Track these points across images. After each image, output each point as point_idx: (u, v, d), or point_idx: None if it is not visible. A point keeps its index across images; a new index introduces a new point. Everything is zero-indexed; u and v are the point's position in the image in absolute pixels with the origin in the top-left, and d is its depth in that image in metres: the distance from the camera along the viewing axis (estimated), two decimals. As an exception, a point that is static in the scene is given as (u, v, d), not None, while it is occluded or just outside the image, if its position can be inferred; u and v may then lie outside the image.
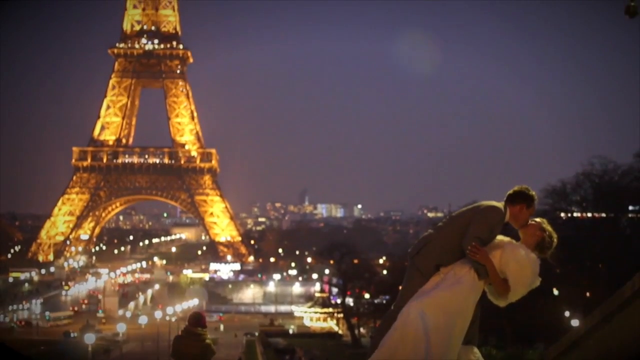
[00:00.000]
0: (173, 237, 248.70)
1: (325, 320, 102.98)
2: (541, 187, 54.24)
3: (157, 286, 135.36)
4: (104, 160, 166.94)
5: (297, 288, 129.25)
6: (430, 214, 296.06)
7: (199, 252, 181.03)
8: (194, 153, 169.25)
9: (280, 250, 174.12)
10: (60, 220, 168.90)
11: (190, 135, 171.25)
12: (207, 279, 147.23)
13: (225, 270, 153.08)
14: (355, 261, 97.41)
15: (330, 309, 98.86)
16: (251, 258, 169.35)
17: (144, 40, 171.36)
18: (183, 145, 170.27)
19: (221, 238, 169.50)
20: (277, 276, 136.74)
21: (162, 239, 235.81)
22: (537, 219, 7.63)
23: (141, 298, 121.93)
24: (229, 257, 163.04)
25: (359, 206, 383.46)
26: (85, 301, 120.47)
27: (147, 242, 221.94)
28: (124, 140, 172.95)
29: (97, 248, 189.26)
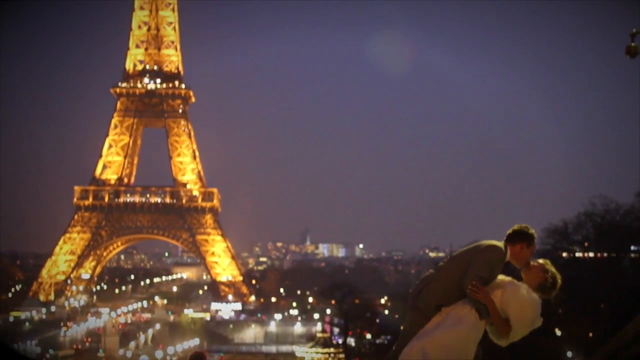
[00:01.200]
0: (174, 276, 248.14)
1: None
2: (542, 226, 54.31)
3: (158, 326, 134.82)
4: (106, 199, 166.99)
5: (298, 328, 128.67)
6: (431, 254, 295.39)
7: (200, 292, 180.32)
8: (195, 192, 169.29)
9: (281, 290, 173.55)
10: (61, 259, 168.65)
11: (192, 175, 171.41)
12: (208, 318, 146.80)
13: (226, 310, 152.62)
14: (357, 301, 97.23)
15: (332, 349, 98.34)
16: (252, 298, 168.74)
17: (146, 80, 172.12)
18: (185, 185, 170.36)
19: (222, 277, 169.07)
20: (278, 316, 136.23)
21: (164, 278, 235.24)
22: (541, 260, 7.62)
23: (142, 338, 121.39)
24: (230, 297, 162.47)
25: (361, 246, 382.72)
26: (89, 339, 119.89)
27: (148, 281, 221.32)
28: (125, 180, 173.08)
29: (98, 287, 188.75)
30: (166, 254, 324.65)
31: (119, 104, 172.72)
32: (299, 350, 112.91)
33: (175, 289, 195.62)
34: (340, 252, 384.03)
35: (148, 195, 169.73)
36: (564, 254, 56.02)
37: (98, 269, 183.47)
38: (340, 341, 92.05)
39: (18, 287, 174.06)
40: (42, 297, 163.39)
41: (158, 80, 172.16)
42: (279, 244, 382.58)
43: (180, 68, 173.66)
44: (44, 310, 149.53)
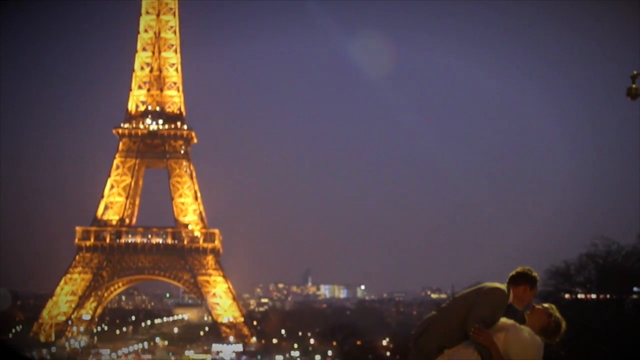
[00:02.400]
0: (175, 317, 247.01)
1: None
2: (545, 268, 54.24)
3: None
4: (107, 240, 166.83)
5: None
6: (433, 295, 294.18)
7: (202, 333, 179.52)
8: (197, 233, 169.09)
9: (282, 331, 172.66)
10: (62, 300, 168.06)
11: (194, 216, 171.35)
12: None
13: (227, 351, 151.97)
14: (358, 342, 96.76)
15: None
16: (254, 339, 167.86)
17: (148, 121, 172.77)
18: (186, 226, 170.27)
19: (224, 319, 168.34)
20: (279, 357, 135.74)
21: (165, 319, 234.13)
22: (546, 304, 7.59)
23: None
24: (231, 338, 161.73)
25: (362, 287, 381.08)
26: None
27: (149, 322, 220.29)
28: (127, 220, 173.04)
29: (99, 328, 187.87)
30: (167, 295, 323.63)
31: (121, 144, 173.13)
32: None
33: (176, 330, 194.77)
34: (342, 293, 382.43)
35: (149, 236, 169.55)
36: (566, 296, 55.88)
37: (99, 310, 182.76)
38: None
39: (18, 328, 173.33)
40: (42, 338, 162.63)
41: (160, 121, 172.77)
42: (281, 285, 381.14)
43: (183, 109, 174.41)
44: (44, 351, 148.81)
